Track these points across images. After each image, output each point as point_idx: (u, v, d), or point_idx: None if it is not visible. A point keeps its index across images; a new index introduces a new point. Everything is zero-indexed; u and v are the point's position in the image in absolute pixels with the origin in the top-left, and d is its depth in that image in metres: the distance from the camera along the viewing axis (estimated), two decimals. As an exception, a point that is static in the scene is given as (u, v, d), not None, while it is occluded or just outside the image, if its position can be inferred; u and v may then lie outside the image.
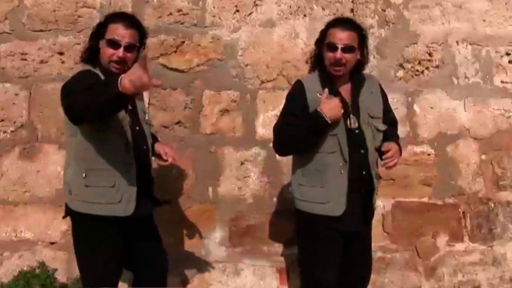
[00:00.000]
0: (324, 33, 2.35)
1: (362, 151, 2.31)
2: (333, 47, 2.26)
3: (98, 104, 1.88)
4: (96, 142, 2.17)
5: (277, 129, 2.37)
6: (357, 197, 2.32)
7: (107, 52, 2.19)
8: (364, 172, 2.32)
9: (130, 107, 2.24)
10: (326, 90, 2.27)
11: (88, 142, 2.17)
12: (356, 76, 2.39)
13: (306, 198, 2.35)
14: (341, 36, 2.25)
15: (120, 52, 2.17)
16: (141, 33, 2.28)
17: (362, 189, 2.33)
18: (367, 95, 2.37)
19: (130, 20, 2.26)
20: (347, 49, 2.25)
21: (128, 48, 2.19)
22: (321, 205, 2.30)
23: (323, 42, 2.34)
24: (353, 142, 2.29)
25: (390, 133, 2.44)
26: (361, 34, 2.33)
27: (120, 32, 2.18)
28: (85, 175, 2.18)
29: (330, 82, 2.32)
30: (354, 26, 2.32)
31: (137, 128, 2.29)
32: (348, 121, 2.30)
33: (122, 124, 2.19)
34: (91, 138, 2.17)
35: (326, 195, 2.29)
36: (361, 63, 2.38)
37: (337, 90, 2.33)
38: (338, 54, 2.24)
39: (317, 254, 2.34)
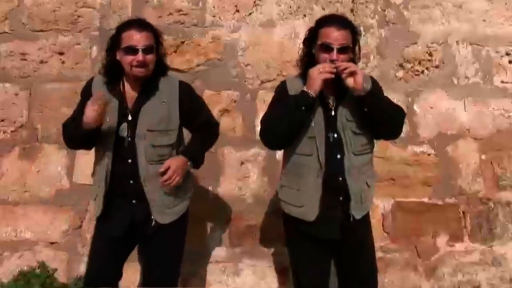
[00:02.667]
0: (315, 32, 2.24)
1: (338, 156, 2.22)
2: (328, 48, 2.16)
3: (76, 137, 2.29)
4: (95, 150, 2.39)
5: (262, 119, 2.35)
6: (336, 203, 2.24)
7: (126, 59, 2.24)
8: (340, 178, 2.21)
9: (129, 117, 2.27)
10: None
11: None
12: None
13: (285, 199, 2.36)
14: (337, 36, 2.15)
15: (140, 56, 2.21)
16: (154, 33, 2.32)
17: (339, 196, 2.24)
18: (350, 97, 2.24)
19: (141, 23, 2.31)
20: (342, 49, 2.16)
21: (146, 50, 2.23)
22: (296, 208, 2.29)
23: (314, 42, 2.23)
24: (332, 147, 2.22)
25: None
26: (354, 31, 2.24)
27: (134, 37, 2.23)
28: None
29: None
30: (348, 24, 2.23)
31: (128, 141, 2.28)
32: (330, 126, 2.23)
33: (108, 138, 2.27)
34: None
35: (300, 198, 2.27)
36: (353, 62, 2.25)
37: (321, 93, 2.20)
38: (334, 55, 2.14)
39: (300, 257, 2.33)
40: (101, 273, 2.33)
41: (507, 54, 3.31)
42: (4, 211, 3.20)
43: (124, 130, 2.27)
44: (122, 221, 2.29)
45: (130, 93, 2.31)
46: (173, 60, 3.23)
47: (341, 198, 2.24)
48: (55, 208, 3.18)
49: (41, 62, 3.25)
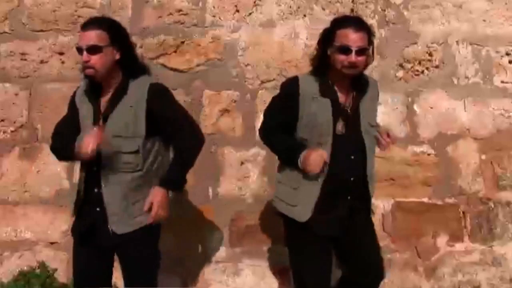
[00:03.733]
0: (331, 33, 2.22)
1: (352, 157, 2.24)
2: (346, 50, 2.14)
3: (64, 158, 2.44)
4: None
5: (262, 128, 2.39)
6: (334, 204, 2.24)
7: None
8: (352, 179, 2.24)
9: (100, 122, 2.22)
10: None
11: None
12: (360, 79, 2.29)
13: (280, 196, 2.35)
14: (355, 38, 2.14)
15: (84, 56, 2.17)
16: (112, 30, 2.22)
17: (343, 197, 2.25)
18: (368, 102, 2.30)
19: (94, 21, 2.25)
20: (360, 51, 2.15)
21: (90, 50, 2.16)
22: (288, 207, 2.29)
23: (330, 43, 2.20)
24: (340, 148, 2.22)
25: None
26: (370, 33, 2.23)
27: (82, 38, 2.20)
28: None
29: (329, 87, 2.25)
30: (364, 26, 2.22)
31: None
32: (337, 127, 2.23)
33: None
34: None
35: (294, 197, 2.27)
36: (366, 64, 2.27)
37: (336, 95, 2.24)
38: (353, 57, 2.14)
39: (300, 255, 2.31)
40: (85, 280, 2.30)
41: (507, 54, 3.31)
42: (4, 211, 3.20)
43: None
44: (83, 225, 2.27)
45: (105, 98, 2.26)
46: (173, 60, 3.24)
47: (348, 198, 2.27)
48: (55, 208, 3.18)
49: (41, 62, 3.25)
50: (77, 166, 3.10)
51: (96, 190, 2.22)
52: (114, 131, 2.19)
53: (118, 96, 2.23)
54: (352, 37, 2.15)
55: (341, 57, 2.17)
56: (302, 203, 2.24)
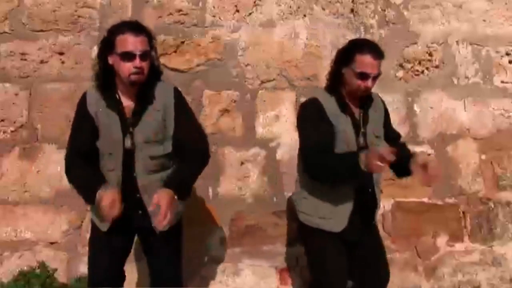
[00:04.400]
0: (349, 56, 2.27)
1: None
2: (365, 76, 2.22)
3: (77, 191, 2.27)
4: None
5: (308, 150, 2.29)
6: (360, 213, 2.32)
7: (124, 66, 2.14)
8: (370, 190, 2.35)
9: (131, 129, 2.21)
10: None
11: None
12: (366, 96, 2.37)
13: (309, 211, 2.37)
14: (374, 65, 2.23)
15: (137, 62, 2.12)
16: (149, 37, 2.22)
17: (366, 206, 2.34)
18: (373, 115, 2.39)
19: (137, 27, 2.19)
20: (376, 77, 2.26)
21: (143, 56, 2.14)
22: (322, 220, 2.33)
23: (347, 64, 2.26)
24: None
25: (406, 150, 2.45)
26: (382, 60, 2.31)
27: (132, 44, 2.13)
28: None
29: (345, 103, 2.32)
30: (381, 53, 2.28)
31: (132, 153, 2.22)
32: (359, 140, 2.31)
33: (115, 152, 2.22)
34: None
35: (329, 211, 2.31)
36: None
37: (352, 111, 2.33)
38: (369, 83, 2.23)
39: (325, 255, 2.36)
40: (105, 278, 2.31)
41: (507, 54, 3.31)
42: (4, 211, 3.20)
43: (128, 142, 2.21)
44: (126, 233, 2.30)
45: (127, 103, 2.23)
46: (173, 60, 3.24)
47: (365, 209, 2.34)
48: (55, 208, 3.18)
49: (41, 62, 3.25)
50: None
51: (137, 195, 2.23)
52: (145, 137, 2.21)
53: (146, 100, 2.22)
54: (371, 64, 2.23)
55: (359, 82, 2.25)
56: (337, 216, 2.31)
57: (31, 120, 3.23)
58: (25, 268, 3.12)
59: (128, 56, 2.12)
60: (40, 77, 3.24)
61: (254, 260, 3.21)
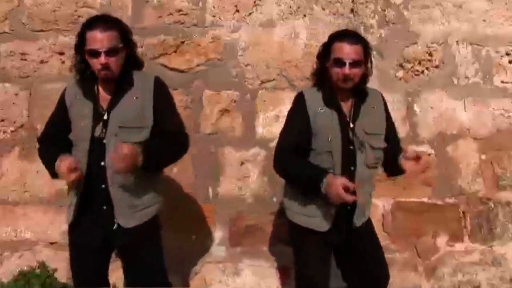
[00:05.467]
0: (328, 48, 2.29)
1: (352, 168, 2.27)
2: (340, 63, 2.21)
3: (45, 165, 2.31)
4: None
5: (279, 148, 2.33)
6: (344, 213, 2.29)
7: (92, 63, 2.17)
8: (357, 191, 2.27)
9: (105, 117, 2.20)
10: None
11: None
12: (359, 90, 2.34)
13: (295, 209, 2.36)
14: (348, 51, 2.20)
15: (102, 59, 2.13)
16: (120, 29, 2.21)
17: (347, 207, 2.28)
18: (367, 111, 2.33)
19: (106, 21, 2.19)
20: (354, 63, 2.21)
21: (109, 53, 2.14)
22: (308, 218, 2.31)
23: (327, 57, 2.28)
24: (347, 159, 2.26)
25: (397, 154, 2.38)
26: (366, 47, 2.28)
27: (97, 38, 2.13)
28: None
29: (332, 98, 2.29)
30: (359, 39, 2.27)
31: (103, 142, 2.19)
32: (348, 136, 2.27)
33: (83, 142, 2.21)
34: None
35: (314, 209, 2.29)
36: (365, 76, 2.33)
37: (339, 106, 2.29)
38: (347, 69, 2.20)
39: (309, 258, 2.34)
40: (86, 283, 2.29)
41: (507, 54, 3.31)
42: (4, 211, 3.20)
43: (99, 130, 2.19)
44: (96, 230, 2.24)
45: (104, 92, 2.24)
46: (173, 60, 3.24)
47: (348, 208, 2.29)
48: (55, 208, 3.18)
49: (41, 62, 3.25)
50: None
51: (103, 186, 2.20)
52: (121, 122, 2.19)
53: (123, 88, 2.23)
54: (346, 50, 2.21)
55: (336, 69, 2.23)
56: (322, 215, 2.28)
57: (31, 120, 3.23)
58: (25, 268, 3.12)
59: (93, 53, 2.14)
60: (40, 77, 3.24)
61: (254, 260, 3.21)
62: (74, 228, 2.31)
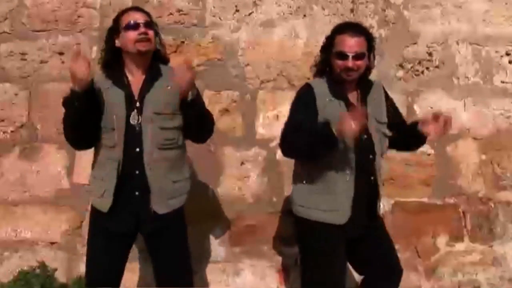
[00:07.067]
0: (331, 40, 2.27)
1: (371, 156, 2.27)
2: (343, 56, 2.19)
3: (74, 119, 2.22)
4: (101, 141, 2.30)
5: (285, 130, 2.28)
6: (362, 203, 2.27)
7: (129, 36, 2.21)
8: (372, 178, 2.28)
9: (137, 104, 2.23)
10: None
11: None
12: (363, 82, 2.33)
13: (309, 205, 2.30)
14: (351, 44, 2.19)
15: (142, 28, 2.21)
16: (153, 21, 2.33)
17: (368, 196, 2.28)
18: (373, 101, 2.34)
19: (140, 9, 2.35)
20: (357, 56, 2.19)
21: (147, 25, 2.24)
22: (325, 213, 2.25)
23: (330, 49, 2.26)
24: (361, 149, 2.23)
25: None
26: (369, 38, 2.26)
27: (134, 16, 2.24)
28: (92, 167, 2.38)
29: (338, 89, 2.28)
30: (362, 31, 2.25)
31: (137, 128, 2.23)
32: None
33: (118, 130, 2.22)
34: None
35: (331, 202, 2.24)
36: (369, 68, 2.32)
37: (346, 96, 2.28)
38: (350, 62, 2.18)
39: (321, 264, 2.28)
40: (104, 273, 2.30)
41: (507, 54, 3.31)
42: (4, 211, 3.20)
43: (134, 117, 2.23)
44: (128, 216, 2.26)
45: (135, 81, 2.28)
46: (173, 60, 3.22)
47: (368, 198, 2.29)
48: (55, 208, 3.18)
49: (41, 62, 3.25)
50: (79, 162, 3.14)
51: (137, 172, 2.22)
52: (156, 108, 2.23)
53: (154, 78, 2.29)
54: (349, 43, 2.19)
55: (339, 62, 2.22)
56: (340, 206, 2.24)
57: (31, 120, 3.23)
58: (25, 268, 3.12)
59: (132, 26, 2.21)
60: (40, 77, 3.24)
61: (254, 260, 3.21)
62: (105, 214, 2.27)
